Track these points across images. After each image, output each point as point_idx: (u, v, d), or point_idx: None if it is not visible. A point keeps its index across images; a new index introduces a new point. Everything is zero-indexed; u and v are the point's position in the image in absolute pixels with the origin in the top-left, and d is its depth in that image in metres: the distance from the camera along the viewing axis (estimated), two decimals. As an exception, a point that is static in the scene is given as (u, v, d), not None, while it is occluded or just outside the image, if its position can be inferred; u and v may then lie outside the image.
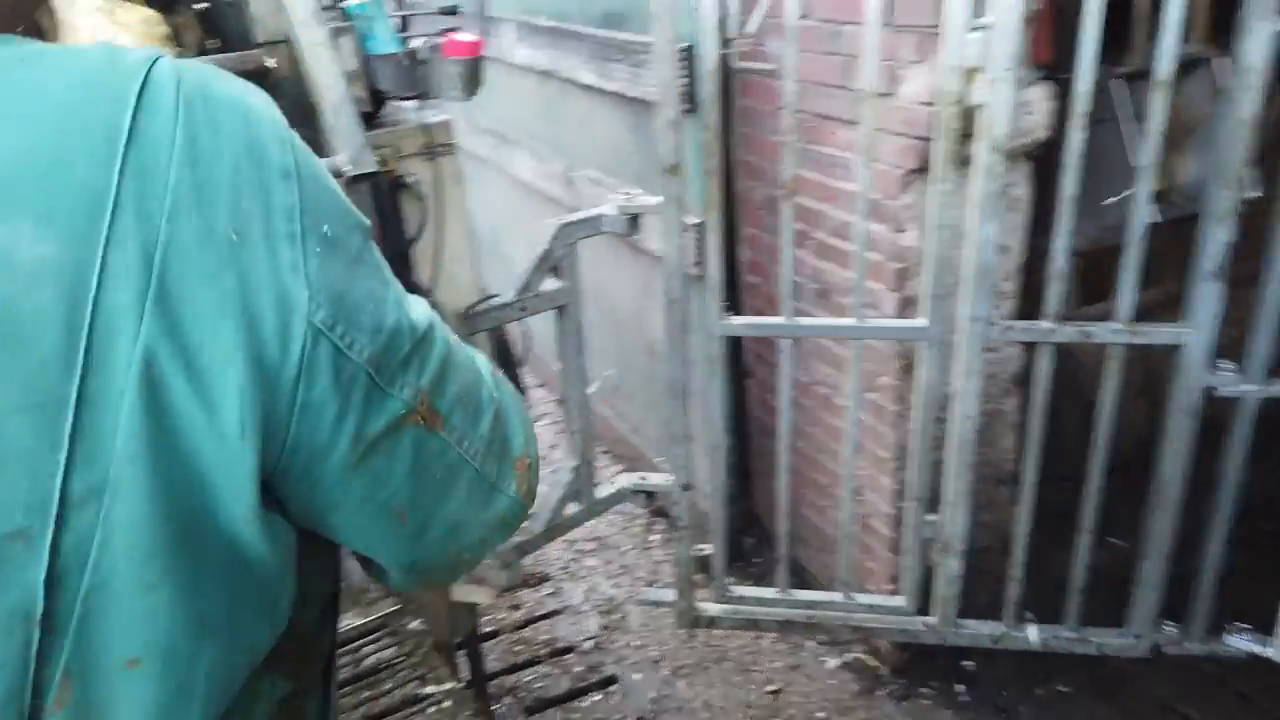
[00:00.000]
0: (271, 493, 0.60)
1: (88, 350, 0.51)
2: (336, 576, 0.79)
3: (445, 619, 2.17)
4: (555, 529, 2.15)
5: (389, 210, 1.88)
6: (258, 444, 0.56)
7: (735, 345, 2.95)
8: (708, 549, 2.32)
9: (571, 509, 2.18)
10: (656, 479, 2.27)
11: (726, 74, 2.58)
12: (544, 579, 3.15)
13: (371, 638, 2.30)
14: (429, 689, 2.09)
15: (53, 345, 0.51)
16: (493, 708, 2.51)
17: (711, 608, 2.37)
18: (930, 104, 2.01)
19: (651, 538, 3.29)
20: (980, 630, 2.29)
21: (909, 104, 2.11)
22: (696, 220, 2.07)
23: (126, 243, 0.52)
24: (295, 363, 0.57)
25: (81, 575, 0.53)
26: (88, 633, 0.54)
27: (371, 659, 2.23)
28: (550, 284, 1.99)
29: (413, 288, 1.91)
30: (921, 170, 2.11)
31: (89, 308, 0.51)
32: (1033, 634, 2.25)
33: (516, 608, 3.02)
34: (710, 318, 2.08)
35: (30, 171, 0.52)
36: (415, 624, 2.29)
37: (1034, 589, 2.26)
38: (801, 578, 2.99)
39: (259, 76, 1.88)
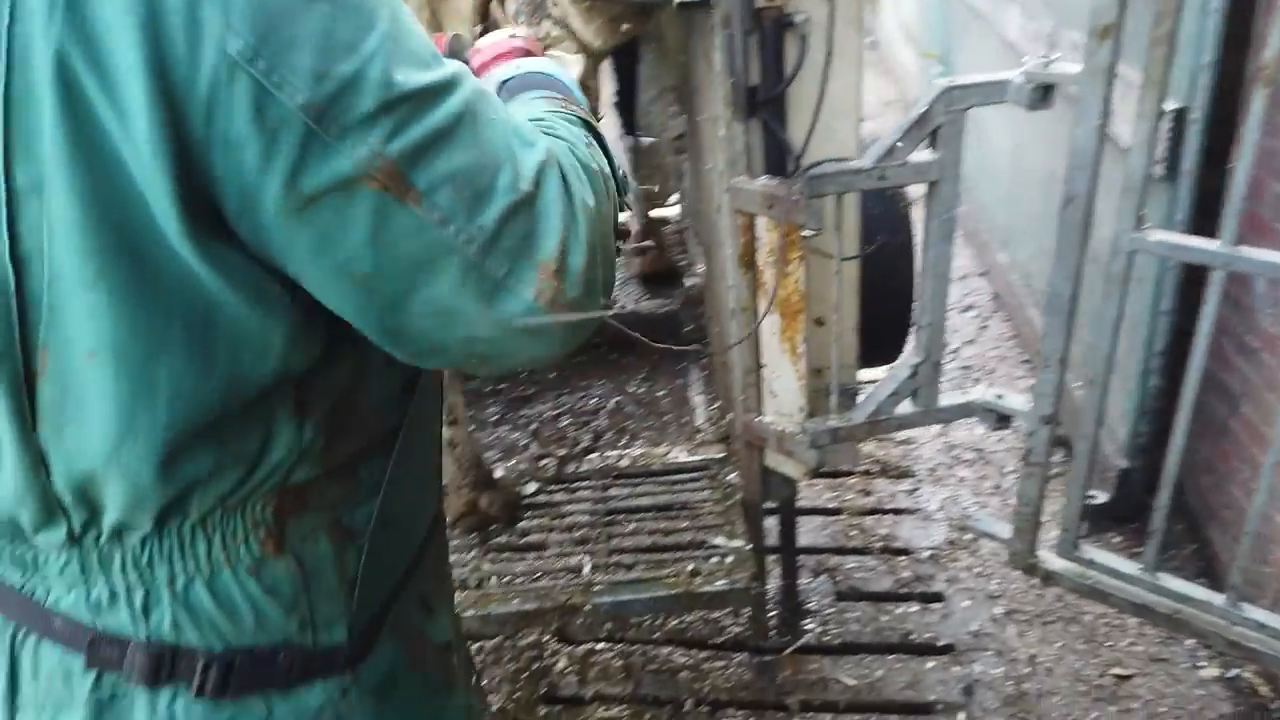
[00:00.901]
0: (224, 226, 0.60)
1: (9, 50, 0.54)
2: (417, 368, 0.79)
3: (758, 481, 2.15)
4: (881, 424, 1.97)
5: (768, 49, 1.77)
6: (172, 165, 0.56)
7: (1195, 272, 2.37)
8: (1087, 495, 1.98)
9: (906, 408, 1.99)
10: (1015, 401, 1.96)
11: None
12: (906, 475, 2.97)
13: (691, 475, 2.38)
14: (718, 540, 2.12)
15: None
16: (800, 581, 2.49)
17: (1053, 561, 2.04)
18: None
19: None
20: None
21: None
22: (1171, 106, 1.64)
23: None
24: (205, 91, 0.55)
25: (42, 264, 0.59)
26: (56, 318, 0.60)
27: (683, 495, 2.32)
28: (923, 155, 1.75)
29: (780, 140, 1.82)
30: None
31: (6, 7, 0.54)
32: None
33: (867, 494, 2.90)
34: (1121, 226, 1.68)
35: None
36: (732, 476, 2.32)
37: None
38: (1210, 566, 2.46)
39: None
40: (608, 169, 0.80)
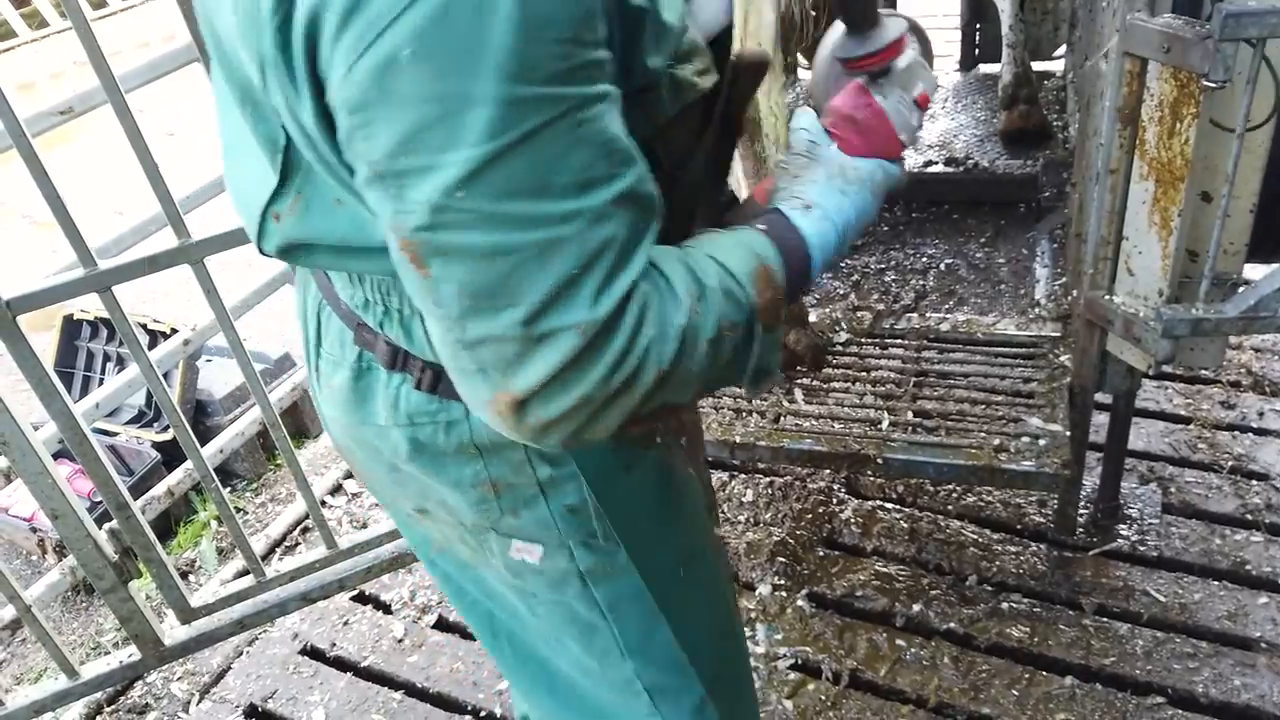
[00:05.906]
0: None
1: None
2: None
3: (1094, 367, 1.95)
4: (1258, 322, 1.67)
5: None
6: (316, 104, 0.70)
7: None
8: None
9: (1300, 307, 1.67)
10: None
11: None
12: (1285, 394, 2.55)
13: (1017, 350, 2.22)
14: (1034, 420, 1.98)
15: None
16: (1124, 485, 2.27)
17: None
18: None
19: None
20: None
21: None
22: None
23: None
24: (335, 101, 0.67)
25: (224, 91, 0.83)
26: (307, 175, 0.81)
27: (1002, 370, 2.17)
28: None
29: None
30: None
31: None
32: None
33: (1229, 407, 2.54)
34: None
35: None
36: (1065, 359, 2.13)
37: None
38: None
39: None
40: (704, 362, 0.77)
